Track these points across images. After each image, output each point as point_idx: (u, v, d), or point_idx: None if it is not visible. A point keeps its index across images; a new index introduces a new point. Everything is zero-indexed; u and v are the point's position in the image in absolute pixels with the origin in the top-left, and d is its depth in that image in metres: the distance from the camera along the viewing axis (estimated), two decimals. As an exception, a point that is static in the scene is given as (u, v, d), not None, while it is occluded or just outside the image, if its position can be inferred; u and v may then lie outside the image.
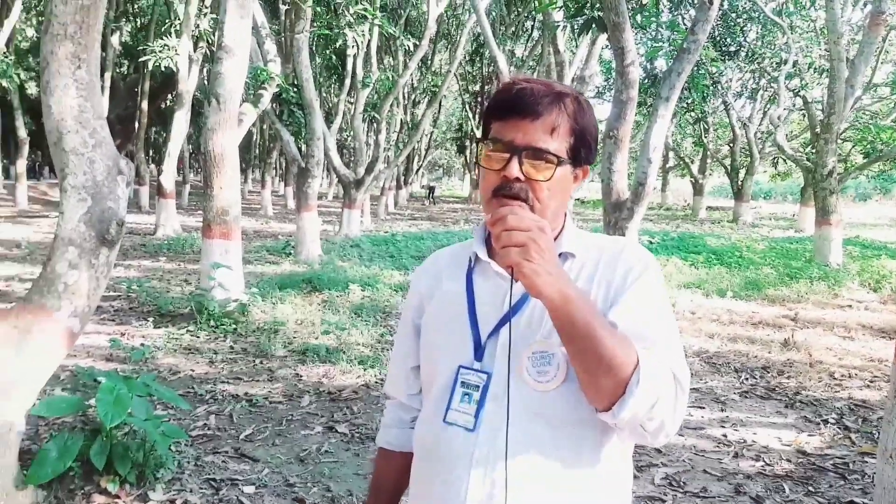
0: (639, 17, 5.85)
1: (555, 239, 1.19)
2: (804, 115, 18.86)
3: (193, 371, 5.34)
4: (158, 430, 3.35)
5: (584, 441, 1.13)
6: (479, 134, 1.30)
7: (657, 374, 1.03)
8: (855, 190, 39.68)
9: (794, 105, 16.66)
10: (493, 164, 1.13)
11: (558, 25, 8.44)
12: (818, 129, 16.11)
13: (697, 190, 26.52)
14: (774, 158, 24.19)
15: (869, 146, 12.69)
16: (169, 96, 24.01)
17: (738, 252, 12.08)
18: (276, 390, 4.97)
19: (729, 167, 23.20)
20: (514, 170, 1.10)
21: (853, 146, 16.09)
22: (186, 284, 8.82)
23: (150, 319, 6.83)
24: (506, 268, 1.04)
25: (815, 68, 14.28)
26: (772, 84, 15.15)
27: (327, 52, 13.84)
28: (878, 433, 4.48)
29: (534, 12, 8.33)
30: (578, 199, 31.54)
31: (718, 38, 15.25)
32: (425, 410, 1.29)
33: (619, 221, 6.20)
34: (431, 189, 39.18)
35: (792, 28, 13.48)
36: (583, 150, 1.16)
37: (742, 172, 22.76)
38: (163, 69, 13.59)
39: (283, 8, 14.09)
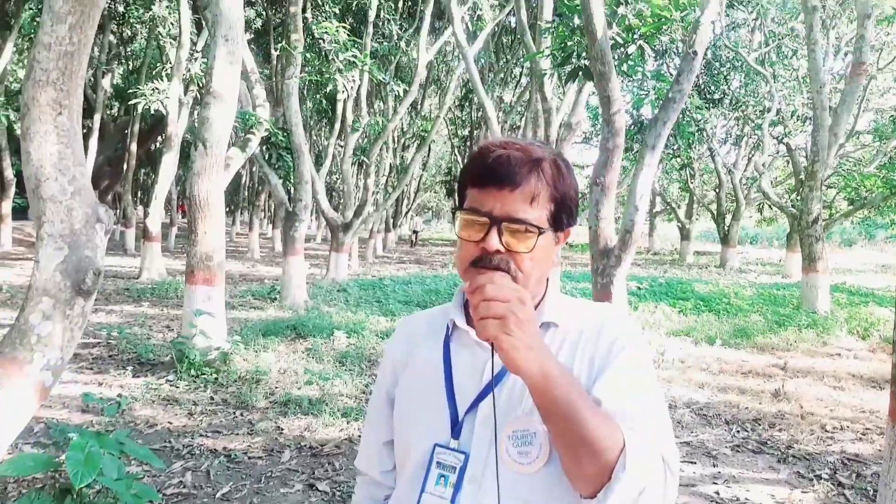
0: (624, 66, 5.89)
1: (536, 307, 1.14)
2: (788, 162, 19.17)
3: (171, 423, 5.17)
4: (131, 491, 3.20)
5: None
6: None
7: (645, 459, 0.97)
8: (840, 235, 40.12)
9: (777, 152, 16.93)
10: (472, 235, 1.08)
11: (545, 73, 8.55)
12: (802, 176, 16.36)
13: (684, 235, 26.71)
14: (760, 204, 24.47)
15: (853, 193, 12.85)
16: (158, 139, 24.09)
17: (727, 298, 12.07)
18: (255, 444, 4.81)
19: (715, 212, 23.42)
20: (494, 242, 1.05)
21: (837, 193, 16.33)
22: (168, 331, 8.66)
23: (130, 368, 6.66)
24: (483, 339, 0.98)
25: (798, 116, 14.55)
26: (756, 131, 15.41)
27: (318, 96, 13.96)
28: (873, 489, 4.39)
29: (521, 61, 8.41)
30: (566, 244, 31.67)
31: (703, 87, 15.55)
32: (399, 490, 1.20)
33: (606, 268, 6.17)
34: (415, 232, 39.49)
35: (775, 77, 13.77)
36: (564, 216, 1.11)
37: (728, 217, 22.97)
38: (153, 112, 13.63)
39: (274, 53, 14.25)
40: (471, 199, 1.10)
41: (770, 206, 23.42)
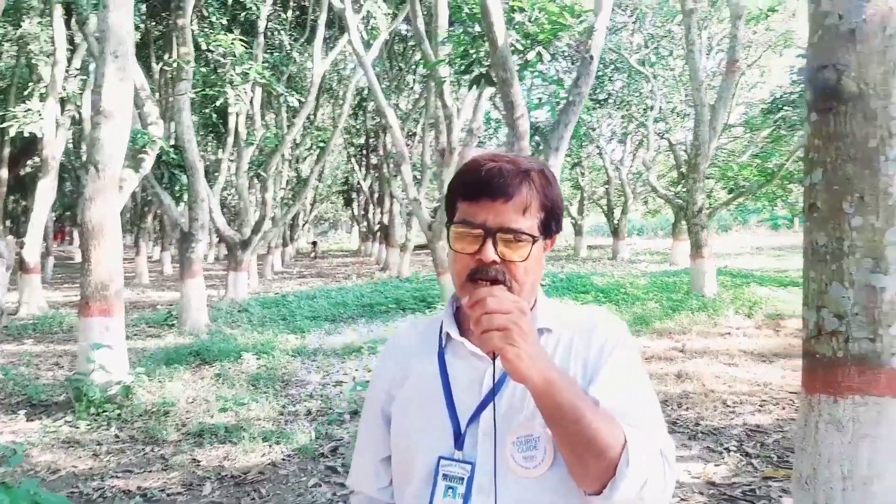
0: (526, 73, 6.06)
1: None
2: (669, 156, 20.36)
3: (76, 467, 4.80)
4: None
5: None
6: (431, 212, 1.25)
7: (646, 454, 1.02)
8: (717, 222, 43.08)
9: (659, 147, 17.93)
10: (466, 247, 1.10)
11: (444, 80, 8.65)
12: (683, 169, 17.43)
13: (578, 230, 27.76)
14: (645, 197, 25.84)
15: (731, 182, 13.83)
16: (29, 163, 22.32)
17: (623, 289, 12.64)
18: (172, 480, 4.54)
19: (605, 207, 24.52)
20: (490, 253, 1.07)
21: (716, 182, 17.58)
22: (58, 368, 8.04)
23: (22, 412, 6.12)
24: (487, 352, 1.01)
25: (678, 113, 15.51)
26: (640, 129, 16.31)
27: (206, 111, 13.43)
28: (776, 456, 4.74)
29: (424, 68, 8.45)
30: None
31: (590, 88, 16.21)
32: None
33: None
34: (314, 244, 38.86)
35: (655, 76, 14.58)
36: (553, 223, 1.15)
37: (617, 212, 24.09)
38: (25, 135, 12.60)
39: (156, 67, 13.57)
40: (463, 212, 1.12)
41: (655, 199, 24.77)
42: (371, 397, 1.30)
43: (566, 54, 9.68)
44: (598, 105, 15.54)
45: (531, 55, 6.15)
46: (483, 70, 6.55)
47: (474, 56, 6.34)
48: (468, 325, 1.17)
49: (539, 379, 0.96)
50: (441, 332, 1.22)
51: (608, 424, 1.01)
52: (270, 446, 5.12)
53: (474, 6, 6.14)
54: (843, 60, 2.37)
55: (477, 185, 1.10)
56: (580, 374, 1.12)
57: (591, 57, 5.78)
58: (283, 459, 4.86)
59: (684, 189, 12.96)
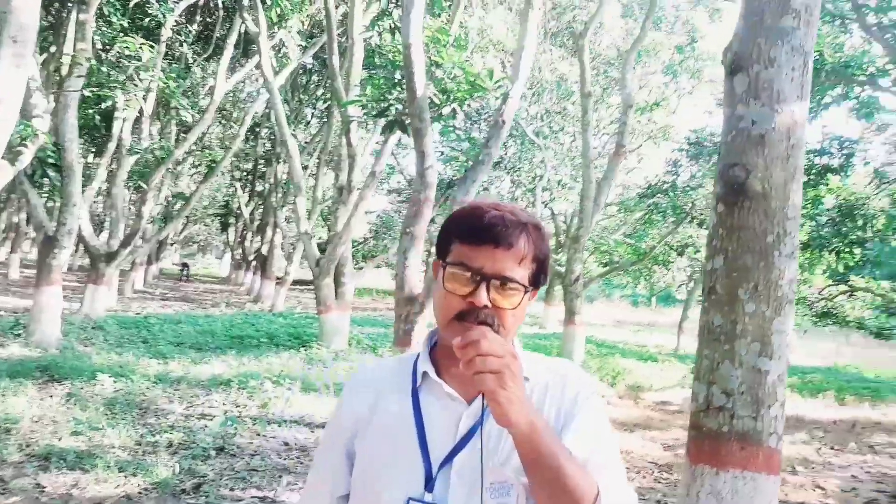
0: (438, 126, 6.21)
1: None
2: (549, 224, 21.33)
3: None
4: None
5: None
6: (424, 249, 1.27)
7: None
8: (585, 292, 45.32)
9: (542, 215, 18.81)
10: (459, 288, 1.11)
11: (352, 120, 8.66)
12: (562, 238, 18.35)
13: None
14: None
15: (606, 257, 14.71)
16: None
17: (500, 347, 12.92)
18: (10, 508, 4.05)
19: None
20: (483, 297, 1.09)
21: (589, 255, 18.62)
22: None
23: None
24: (475, 393, 1.02)
25: (562, 185, 16.43)
26: (527, 195, 17.08)
27: (90, 111, 12.57)
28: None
29: (340, 106, 8.39)
30: (362, 288, 31.51)
31: (483, 150, 16.83)
32: None
33: (410, 315, 6.33)
34: (185, 266, 36.59)
35: (546, 148, 15.41)
36: (542, 275, 1.18)
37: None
38: None
39: (39, 58, 12.56)
40: (460, 254, 1.13)
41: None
42: (332, 434, 1.26)
43: (481, 116, 10.01)
44: (492, 167, 16.12)
45: (446, 110, 6.32)
46: (398, 117, 6.64)
47: (391, 102, 6.42)
48: (444, 366, 1.18)
49: (525, 424, 0.98)
50: (415, 370, 1.21)
51: (583, 474, 1.03)
52: (126, 477, 4.71)
53: (396, 53, 6.27)
54: (752, 162, 2.64)
55: (478, 231, 1.12)
56: (552, 421, 1.15)
57: (504, 121, 6.04)
58: (140, 493, 4.48)
59: (565, 258, 13.63)
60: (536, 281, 1.17)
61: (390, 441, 1.16)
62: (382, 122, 7.05)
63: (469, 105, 6.16)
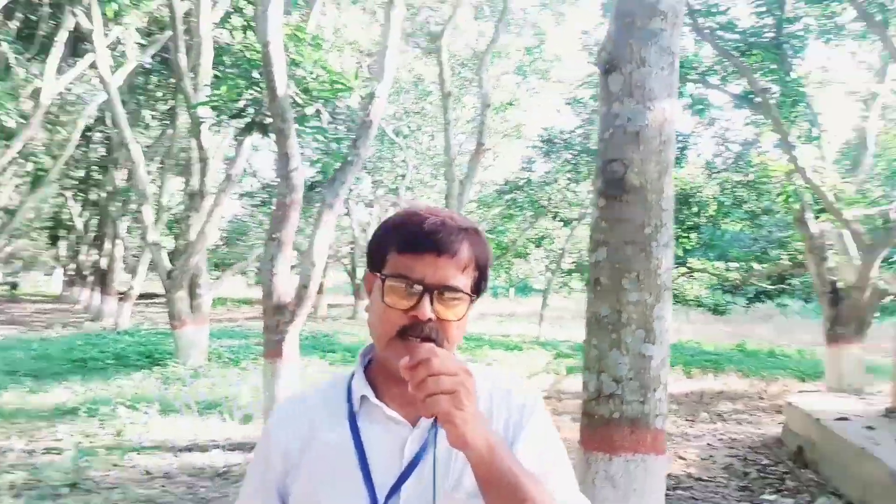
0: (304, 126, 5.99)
1: None
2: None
3: None
4: None
5: None
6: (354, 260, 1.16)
7: None
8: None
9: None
10: (400, 303, 1.03)
11: (203, 122, 8.15)
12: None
13: (320, 289, 27.68)
14: (386, 260, 26.80)
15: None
16: None
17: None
18: None
19: (349, 267, 24.86)
20: (427, 310, 1.01)
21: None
22: None
23: None
24: (419, 416, 0.95)
25: (425, 183, 16.56)
26: (389, 194, 17.04)
27: None
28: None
29: (189, 108, 7.82)
30: (217, 298, 29.73)
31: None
32: None
33: (280, 325, 6.07)
34: (13, 286, 32.99)
35: (408, 147, 15.46)
36: (483, 283, 1.12)
37: (360, 272, 24.65)
38: None
39: None
40: (399, 265, 1.05)
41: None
42: (259, 476, 1.13)
43: (345, 116, 9.76)
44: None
45: (310, 110, 6.11)
46: (257, 118, 6.33)
47: (248, 102, 6.10)
48: (383, 387, 1.10)
49: (483, 445, 0.92)
50: (349, 393, 1.11)
51: (540, 488, 0.99)
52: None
53: (254, 52, 5.96)
54: (629, 157, 2.75)
55: (419, 239, 1.04)
56: (501, 434, 1.09)
57: (371, 121, 5.93)
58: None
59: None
60: (478, 288, 1.11)
61: (330, 474, 1.06)
62: (237, 123, 6.69)
63: (336, 105, 5.99)
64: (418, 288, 1.02)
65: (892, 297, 8.50)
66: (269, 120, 6.13)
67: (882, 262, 8.52)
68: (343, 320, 22.85)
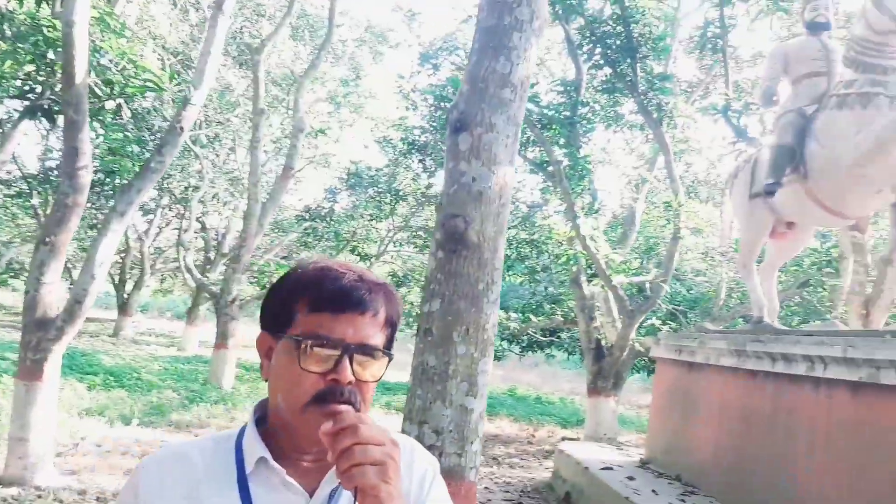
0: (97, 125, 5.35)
1: None
2: (196, 237, 20.07)
3: None
4: None
5: None
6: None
7: None
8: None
9: (194, 229, 17.57)
10: (317, 366, 0.95)
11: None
12: (212, 255, 17.35)
13: (76, 298, 24.55)
14: (164, 275, 24.67)
15: (266, 277, 14.30)
16: None
17: (137, 373, 11.62)
18: None
19: (116, 279, 22.45)
20: (349, 373, 0.95)
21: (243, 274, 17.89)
22: None
23: None
24: (352, 488, 0.87)
25: (219, 199, 15.60)
26: (178, 205, 15.79)
27: None
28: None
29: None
30: None
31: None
32: None
33: (42, 342, 5.29)
34: None
35: (205, 157, 14.52)
36: (393, 340, 1.08)
37: (129, 285, 22.33)
38: None
39: None
40: (313, 324, 0.97)
41: (173, 278, 23.90)
42: None
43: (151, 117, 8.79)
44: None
45: (110, 104, 5.48)
46: (42, 101, 5.53)
47: (37, 83, 5.31)
48: (279, 450, 1.00)
49: None
50: (239, 454, 0.99)
51: None
52: None
53: (52, 29, 5.21)
54: (471, 215, 2.83)
55: (338, 296, 0.98)
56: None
57: (182, 129, 5.45)
58: None
59: (221, 276, 12.91)
60: (390, 345, 1.06)
61: None
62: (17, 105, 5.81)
63: (140, 104, 5.42)
64: (338, 349, 0.95)
65: (645, 357, 9.66)
66: (58, 107, 5.40)
67: (639, 326, 9.69)
68: (104, 337, 20.46)
